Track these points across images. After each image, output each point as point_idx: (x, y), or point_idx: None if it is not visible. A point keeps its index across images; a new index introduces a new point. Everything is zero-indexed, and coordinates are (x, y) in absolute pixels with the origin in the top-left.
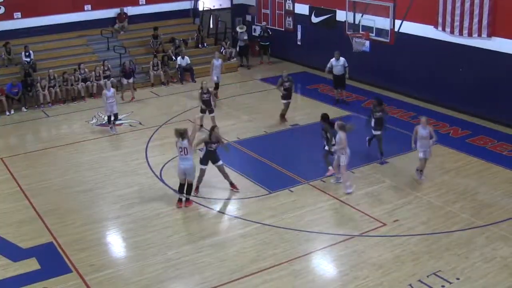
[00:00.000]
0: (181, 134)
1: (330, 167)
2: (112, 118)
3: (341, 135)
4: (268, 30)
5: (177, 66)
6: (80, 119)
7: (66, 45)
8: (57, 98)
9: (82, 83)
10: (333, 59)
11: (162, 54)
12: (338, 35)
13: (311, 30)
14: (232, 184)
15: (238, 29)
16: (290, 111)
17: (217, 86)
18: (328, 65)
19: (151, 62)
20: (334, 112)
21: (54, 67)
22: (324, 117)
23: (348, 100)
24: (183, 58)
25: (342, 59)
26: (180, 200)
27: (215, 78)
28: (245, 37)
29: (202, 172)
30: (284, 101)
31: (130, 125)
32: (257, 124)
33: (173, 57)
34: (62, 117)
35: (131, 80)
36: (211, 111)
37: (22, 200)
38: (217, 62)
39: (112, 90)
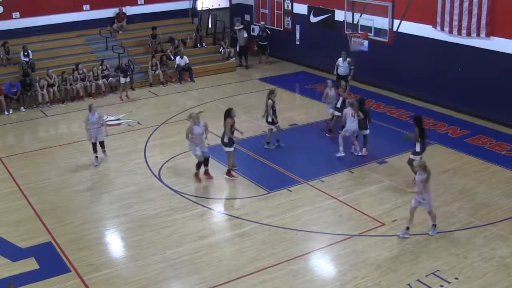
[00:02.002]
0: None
1: None
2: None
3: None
4: (267, 30)
5: (176, 66)
6: (79, 118)
7: (64, 45)
8: (55, 98)
9: (81, 82)
10: (340, 59)
11: (160, 54)
12: (337, 35)
13: (309, 30)
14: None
15: (235, 27)
16: (288, 110)
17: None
18: (336, 65)
19: (150, 62)
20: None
21: (52, 66)
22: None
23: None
24: (182, 57)
25: (348, 59)
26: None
27: (331, 111)
28: (245, 35)
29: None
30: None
31: (129, 125)
32: (256, 123)
33: (172, 57)
34: (60, 116)
35: (128, 79)
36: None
37: (21, 200)
38: (331, 92)
39: (97, 114)
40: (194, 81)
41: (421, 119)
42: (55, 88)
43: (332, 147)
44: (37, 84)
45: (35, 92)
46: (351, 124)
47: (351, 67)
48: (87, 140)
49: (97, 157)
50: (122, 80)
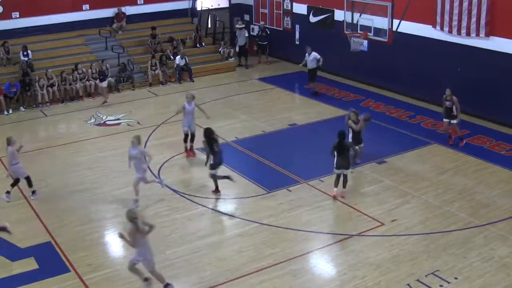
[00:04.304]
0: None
1: None
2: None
3: None
4: (266, 30)
5: (175, 66)
6: (78, 118)
7: (64, 45)
8: (55, 97)
9: (80, 82)
10: (307, 54)
11: (160, 53)
12: (336, 35)
13: (309, 30)
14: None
15: (237, 26)
16: (287, 110)
17: None
18: (304, 60)
19: (150, 62)
20: (332, 111)
21: (52, 66)
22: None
23: (346, 100)
24: (181, 58)
25: (313, 54)
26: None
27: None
28: (246, 35)
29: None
30: (445, 120)
31: (128, 125)
32: (255, 123)
33: (171, 57)
34: (60, 116)
35: (105, 84)
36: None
37: (20, 200)
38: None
39: (13, 148)
40: (193, 81)
41: (209, 130)
42: (55, 88)
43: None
44: (36, 84)
45: (35, 92)
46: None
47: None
48: (86, 139)
49: (8, 194)
50: (100, 84)
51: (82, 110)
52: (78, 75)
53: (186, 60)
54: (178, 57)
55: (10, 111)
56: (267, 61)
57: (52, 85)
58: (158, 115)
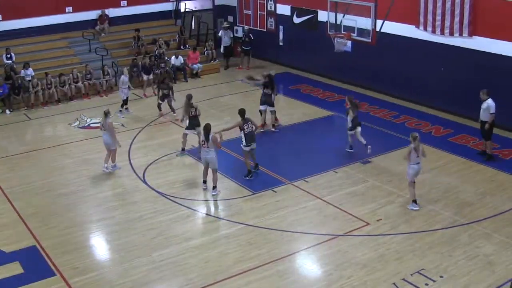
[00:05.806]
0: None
1: None
2: None
3: None
4: (250, 35)
5: (171, 66)
6: (63, 121)
7: (47, 48)
8: (47, 99)
9: (74, 84)
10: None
11: (150, 55)
12: (320, 36)
13: (293, 31)
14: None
15: (223, 26)
16: None
17: None
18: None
19: (140, 64)
20: (316, 112)
21: (35, 69)
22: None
23: (330, 100)
24: (176, 57)
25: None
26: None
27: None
28: (231, 35)
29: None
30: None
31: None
32: None
33: (161, 57)
34: (44, 119)
35: (151, 76)
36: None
37: (4, 204)
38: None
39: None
40: (187, 81)
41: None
42: (39, 90)
43: (317, 148)
44: (30, 84)
45: (29, 93)
46: None
47: None
48: (70, 142)
49: None
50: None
51: (66, 113)
52: (66, 79)
53: (182, 60)
54: (173, 57)
55: None
56: (248, 67)
57: (36, 86)
58: (143, 117)
